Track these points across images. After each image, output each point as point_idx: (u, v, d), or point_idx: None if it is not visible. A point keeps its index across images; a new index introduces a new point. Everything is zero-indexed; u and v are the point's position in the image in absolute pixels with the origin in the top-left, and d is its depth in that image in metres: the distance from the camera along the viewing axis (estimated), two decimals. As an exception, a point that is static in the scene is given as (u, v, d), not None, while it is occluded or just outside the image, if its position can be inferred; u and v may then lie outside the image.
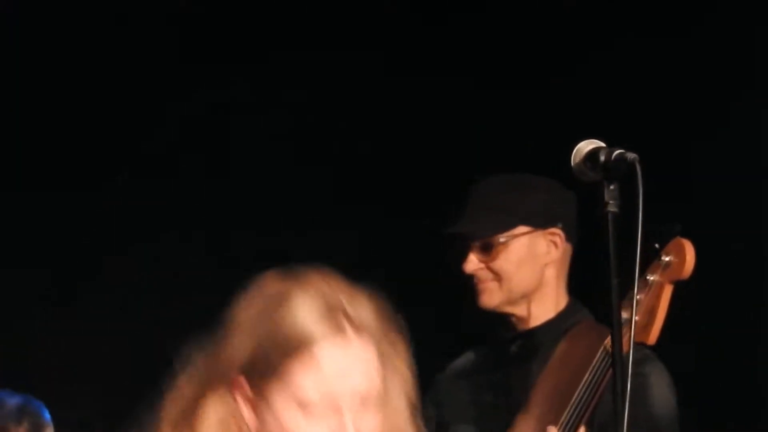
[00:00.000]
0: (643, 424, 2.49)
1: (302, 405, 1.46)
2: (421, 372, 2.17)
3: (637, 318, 2.30)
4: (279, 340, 1.46)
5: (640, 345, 2.43)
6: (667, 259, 2.47)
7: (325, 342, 1.46)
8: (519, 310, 2.78)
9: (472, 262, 2.78)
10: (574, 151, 1.98)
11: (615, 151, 1.93)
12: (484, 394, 2.85)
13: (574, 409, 2.47)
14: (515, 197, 2.81)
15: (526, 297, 2.78)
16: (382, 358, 1.53)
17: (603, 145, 1.95)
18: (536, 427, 2.59)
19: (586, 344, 2.38)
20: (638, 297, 2.29)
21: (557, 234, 2.78)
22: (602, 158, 1.93)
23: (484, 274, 2.80)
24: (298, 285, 1.50)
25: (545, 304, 2.79)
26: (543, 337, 2.77)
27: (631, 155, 1.90)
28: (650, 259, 2.49)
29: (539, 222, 2.78)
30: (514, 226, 2.78)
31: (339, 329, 1.48)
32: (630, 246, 1.95)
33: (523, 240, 2.78)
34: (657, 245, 2.48)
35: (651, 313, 2.49)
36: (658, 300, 2.49)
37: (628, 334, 2.15)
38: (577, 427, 2.47)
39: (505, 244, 2.74)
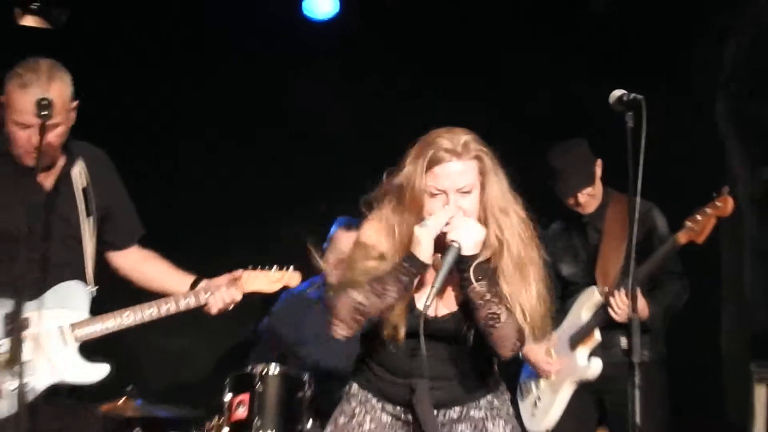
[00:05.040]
0: (658, 231, 4.48)
1: (431, 193, 2.99)
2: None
3: (696, 227, 4.24)
4: (419, 165, 3.00)
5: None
6: (718, 203, 4.16)
7: (439, 164, 3.00)
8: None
9: (583, 196, 4.68)
10: (611, 95, 3.22)
11: (631, 94, 3.14)
12: (574, 241, 4.80)
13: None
14: (586, 156, 4.69)
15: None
16: (483, 167, 3.04)
17: (625, 91, 3.17)
18: (612, 258, 4.55)
19: (624, 208, 4.23)
20: (698, 216, 4.25)
21: (600, 161, 4.63)
22: (624, 98, 3.12)
23: (588, 199, 4.65)
24: (435, 135, 3.04)
25: (599, 197, 4.68)
26: (600, 212, 4.68)
27: (639, 96, 3.12)
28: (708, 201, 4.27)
29: (595, 161, 4.65)
30: (594, 172, 4.61)
31: (448, 158, 2.99)
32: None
33: (597, 174, 4.62)
34: (714, 194, 4.21)
35: (703, 228, 4.23)
36: (708, 223, 4.21)
37: (672, 244, 4.34)
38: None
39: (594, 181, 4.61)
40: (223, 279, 3.80)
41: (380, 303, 3.00)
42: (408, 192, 3.00)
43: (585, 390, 4.40)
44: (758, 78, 5.09)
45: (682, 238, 4.10)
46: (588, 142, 4.57)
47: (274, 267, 3.93)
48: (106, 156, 3.86)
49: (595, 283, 4.43)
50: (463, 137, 3.00)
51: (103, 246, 3.81)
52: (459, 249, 2.93)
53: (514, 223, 3.05)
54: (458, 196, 2.97)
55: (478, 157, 3.00)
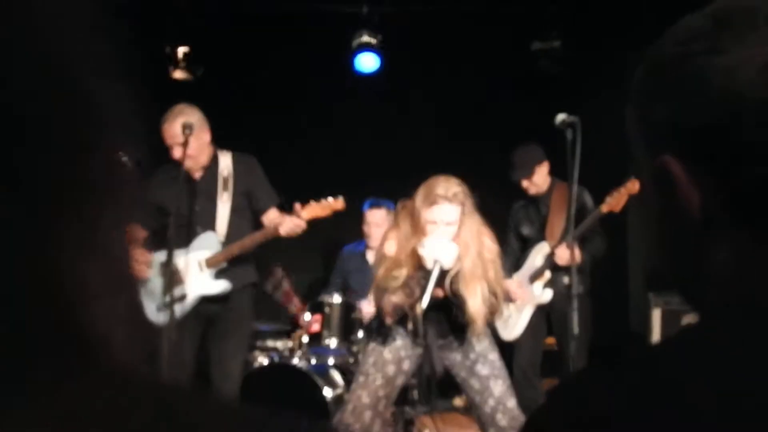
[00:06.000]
0: (587, 206, 4.28)
1: (429, 222, 3.21)
2: (504, 208, 3.52)
3: (614, 201, 3.97)
4: (423, 203, 3.18)
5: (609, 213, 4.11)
6: (629, 185, 4.04)
7: (435, 204, 3.16)
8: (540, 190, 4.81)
9: (525, 183, 4.49)
10: (555, 118, 3.32)
11: (571, 116, 3.08)
12: (531, 213, 4.63)
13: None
14: (533, 157, 4.45)
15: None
16: (464, 209, 3.20)
17: (567, 114, 3.17)
18: (556, 224, 4.34)
19: (564, 191, 4.12)
20: (615, 194, 3.94)
21: (547, 162, 4.60)
22: (566, 120, 2.99)
23: (528, 185, 4.56)
24: (435, 182, 3.17)
25: (541, 185, 4.60)
26: (548, 194, 4.61)
27: (575, 118, 3.13)
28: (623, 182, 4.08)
29: (542, 160, 4.50)
30: (534, 168, 4.54)
31: (441, 201, 3.16)
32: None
33: (543, 168, 4.53)
34: (626, 178, 4.03)
35: (618, 201, 4.05)
36: (622, 198, 4.07)
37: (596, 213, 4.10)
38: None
39: (535, 173, 4.61)
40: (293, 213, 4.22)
41: (410, 299, 3.32)
42: (416, 219, 3.26)
43: (539, 311, 4.40)
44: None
45: (604, 208, 4.20)
46: (543, 149, 4.61)
47: (329, 197, 3.98)
48: (252, 157, 4.15)
49: (545, 240, 4.46)
50: (455, 188, 3.20)
51: (255, 212, 4.15)
52: (441, 265, 3.17)
53: (472, 253, 3.22)
54: (446, 227, 3.20)
55: (462, 203, 3.22)
